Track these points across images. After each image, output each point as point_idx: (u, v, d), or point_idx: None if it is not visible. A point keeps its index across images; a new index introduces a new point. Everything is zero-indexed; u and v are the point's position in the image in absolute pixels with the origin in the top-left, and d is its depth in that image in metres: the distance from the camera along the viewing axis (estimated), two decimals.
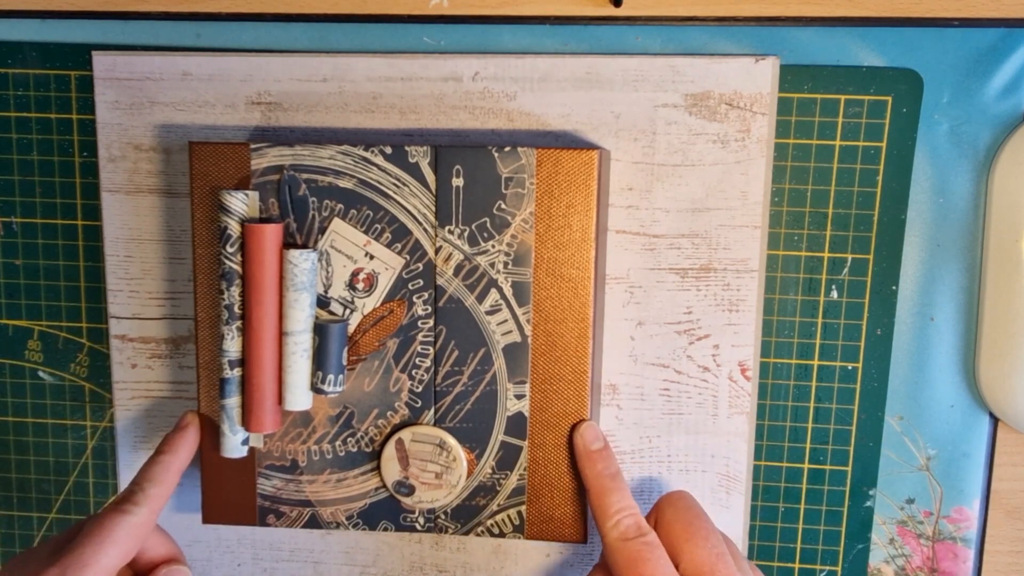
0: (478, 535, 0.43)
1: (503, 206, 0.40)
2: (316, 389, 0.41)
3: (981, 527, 0.47)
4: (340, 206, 0.40)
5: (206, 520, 0.44)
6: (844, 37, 0.43)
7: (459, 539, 0.48)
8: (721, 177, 0.44)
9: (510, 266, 0.40)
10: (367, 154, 0.40)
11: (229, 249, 0.40)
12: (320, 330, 0.40)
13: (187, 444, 0.42)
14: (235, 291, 0.40)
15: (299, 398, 0.41)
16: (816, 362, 0.46)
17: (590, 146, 0.43)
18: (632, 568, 0.36)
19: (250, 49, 0.45)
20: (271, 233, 0.39)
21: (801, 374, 0.46)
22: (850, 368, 0.46)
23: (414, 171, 0.40)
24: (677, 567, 0.37)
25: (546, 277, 0.41)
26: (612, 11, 0.43)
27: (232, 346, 0.40)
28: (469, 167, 0.40)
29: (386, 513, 0.43)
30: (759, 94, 0.43)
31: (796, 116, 0.44)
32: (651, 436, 0.46)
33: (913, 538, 0.47)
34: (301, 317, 0.40)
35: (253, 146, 0.40)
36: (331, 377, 0.40)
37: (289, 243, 0.41)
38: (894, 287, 0.45)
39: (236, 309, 0.40)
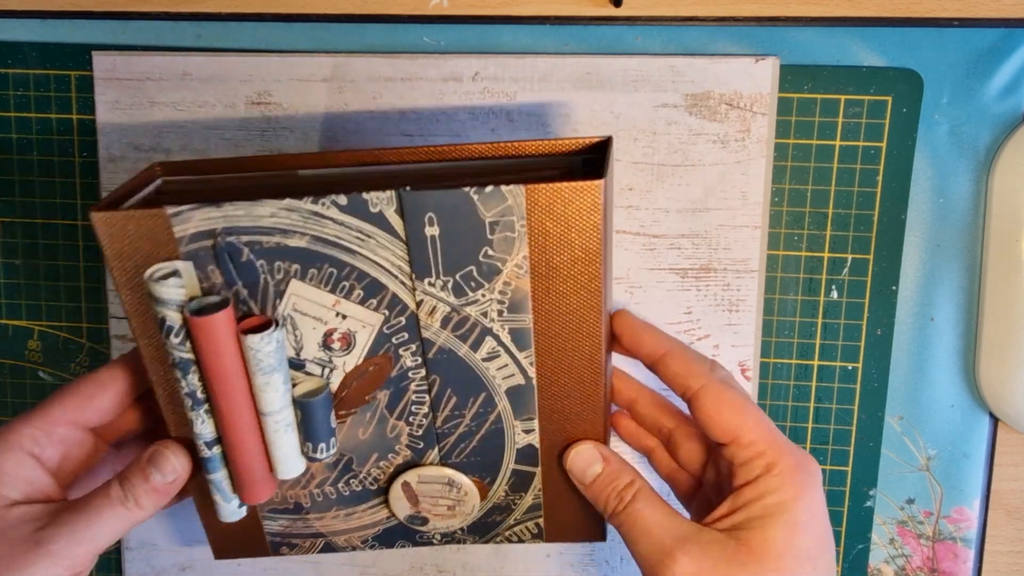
0: (497, 543, 0.42)
1: (490, 252, 0.33)
2: (308, 458, 0.37)
3: (981, 527, 0.47)
4: (296, 267, 0.33)
5: (218, 557, 0.42)
6: (844, 37, 0.43)
7: None
8: (721, 177, 0.44)
9: (505, 314, 0.35)
10: (317, 207, 0.32)
11: (174, 340, 0.33)
12: (302, 406, 0.35)
13: (82, 391, 0.37)
14: (193, 378, 0.34)
15: (290, 467, 0.37)
16: (816, 362, 0.46)
17: (591, 169, 0.37)
18: (744, 411, 0.35)
19: (250, 49, 0.45)
20: (220, 322, 0.33)
21: (801, 374, 0.46)
22: (850, 368, 0.46)
23: (379, 221, 0.32)
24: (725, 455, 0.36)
25: (548, 321, 0.35)
26: (612, 11, 0.43)
27: (205, 429, 0.35)
28: (444, 213, 0.32)
29: (402, 535, 0.41)
30: (759, 94, 0.43)
31: (796, 116, 0.44)
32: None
33: (913, 538, 0.47)
34: (276, 397, 0.34)
35: (170, 211, 0.32)
36: (322, 445, 0.36)
37: (243, 314, 0.34)
38: (894, 287, 0.45)
39: (200, 395, 0.34)
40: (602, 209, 0.32)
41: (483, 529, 0.41)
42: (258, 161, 0.37)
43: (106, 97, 0.45)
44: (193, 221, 0.32)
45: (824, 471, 0.47)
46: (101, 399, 0.37)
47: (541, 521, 0.41)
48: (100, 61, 0.45)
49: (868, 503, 0.47)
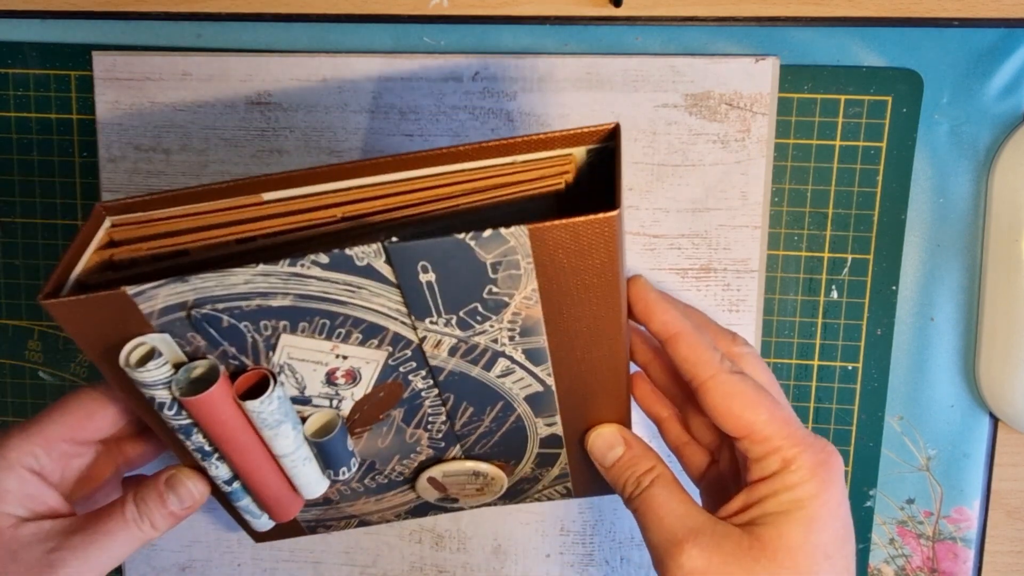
0: (529, 503, 0.42)
1: (495, 290, 0.30)
2: (331, 480, 0.37)
3: (981, 527, 0.47)
4: (284, 323, 0.31)
5: (258, 541, 0.43)
6: (844, 37, 0.43)
7: (459, 539, 0.48)
8: (721, 177, 0.44)
9: (517, 338, 0.32)
10: (296, 269, 0.29)
11: (169, 413, 0.32)
12: (316, 445, 0.35)
13: (80, 408, 0.36)
14: (198, 437, 0.33)
15: (315, 489, 0.37)
16: (816, 362, 0.46)
17: (595, 144, 0.33)
18: (758, 404, 0.33)
19: (250, 49, 0.45)
20: (216, 396, 0.31)
21: (801, 374, 0.46)
22: (850, 368, 0.46)
23: (367, 272, 0.29)
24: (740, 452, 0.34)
25: (564, 339, 0.33)
26: (612, 11, 0.43)
27: (221, 472, 0.35)
28: (438, 260, 0.29)
29: (433, 508, 0.42)
30: (759, 94, 0.43)
31: (796, 116, 0.44)
32: (655, 434, 0.46)
33: (913, 538, 0.47)
34: (287, 443, 0.34)
35: (131, 291, 0.29)
36: (343, 468, 0.36)
37: (235, 368, 0.32)
38: (894, 287, 0.45)
39: (208, 448, 0.34)
40: (617, 238, 0.29)
41: (514, 494, 0.42)
42: (215, 191, 0.32)
43: (106, 97, 0.45)
44: (159, 298, 0.29)
45: None
46: (101, 418, 0.36)
47: (569, 484, 0.41)
48: (100, 61, 0.45)
49: (868, 503, 0.47)
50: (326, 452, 0.35)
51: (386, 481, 0.40)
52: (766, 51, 0.43)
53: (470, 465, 0.39)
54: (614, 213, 0.28)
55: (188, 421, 0.32)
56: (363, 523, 0.42)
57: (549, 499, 0.42)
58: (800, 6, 0.43)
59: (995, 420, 0.46)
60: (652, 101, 0.43)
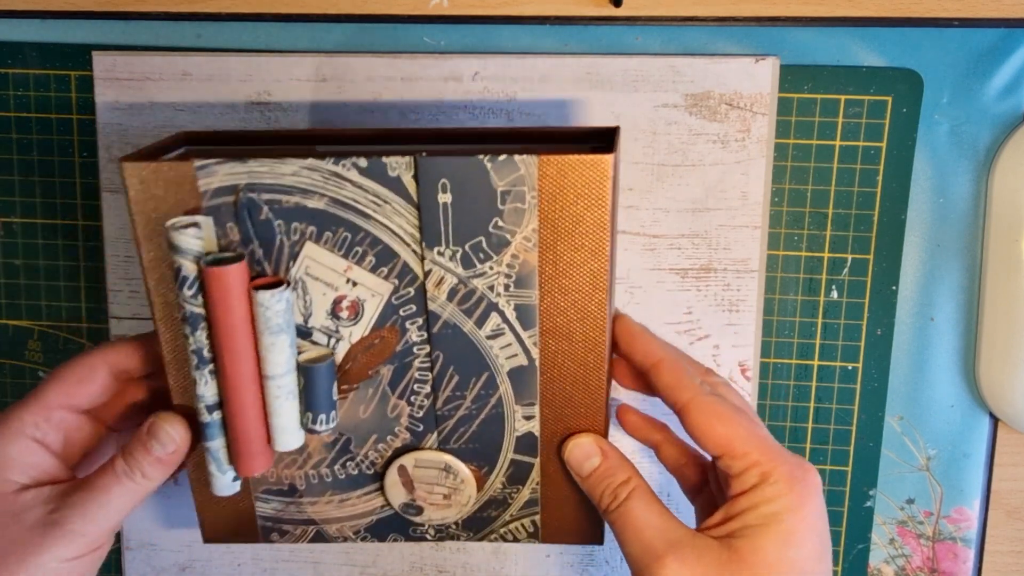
0: (491, 541, 0.41)
1: (500, 223, 0.34)
2: (307, 430, 0.37)
3: (981, 527, 0.47)
4: (312, 229, 0.34)
5: (207, 540, 0.42)
6: (844, 37, 0.43)
7: None
8: (721, 177, 0.44)
9: (512, 288, 0.35)
10: (338, 168, 0.33)
11: (187, 292, 0.34)
12: (305, 371, 0.36)
13: (74, 373, 0.38)
14: (201, 335, 0.35)
15: (289, 439, 0.37)
16: (816, 362, 0.46)
17: (599, 143, 0.38)
18: (734, 422, 0.34)
19: (250, 49, 0.45)
20: (235, 275, 0.34)
21: (801, 374, 0.46)
22: (850, 368, 0.46)
23: (395, 186, 0.34)
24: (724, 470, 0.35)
25: (554, 299, 0.35)
26: (612, 11, 0.43)
27: (207, 391, 0.36)
28: (457, 181, 0.33)
29: (395, 527, 0.41)
30: (759, 94, 0.43)
31: (796, 116, 0.44)
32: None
33: (913, 538, 0.47)
34: (281, 360, 0.35)
35: (197, 164, 0.33)
36: (322, 416, 0.36)
37: (256, 273, 0.35)
38: (894, 287, 0.45)
39: (206, 353, 0.35)
40: (611, 182, 0.33)
41: (478, 525, 0.41)
42: (277, 135, 0.40)
43: (106, 97, 0.45)
44: (218, 175, 0.33)
45: (824, 471, 0.47)
46: (90, 383, 0.38)
47: (537, 519, 0.41)
48: (100, 61, 0.45)
49: (868, 503, 0.47)
50: (312, 386, 0.36)
51: (356, 472, 0.39)
52: (766, 51, 0.43)
53: (444, 457, 0.39)
54: (609, 156, 0.33)
55: (199, 310, 0.34)
56: (319, 535, 0.41)
57: (515, 538, 0.41)
58: (800, 6, 0.43)
59: (995, 420, 0.46)
60: (652, 101, 0.43)
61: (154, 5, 0.45)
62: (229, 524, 0.41)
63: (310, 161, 0.33)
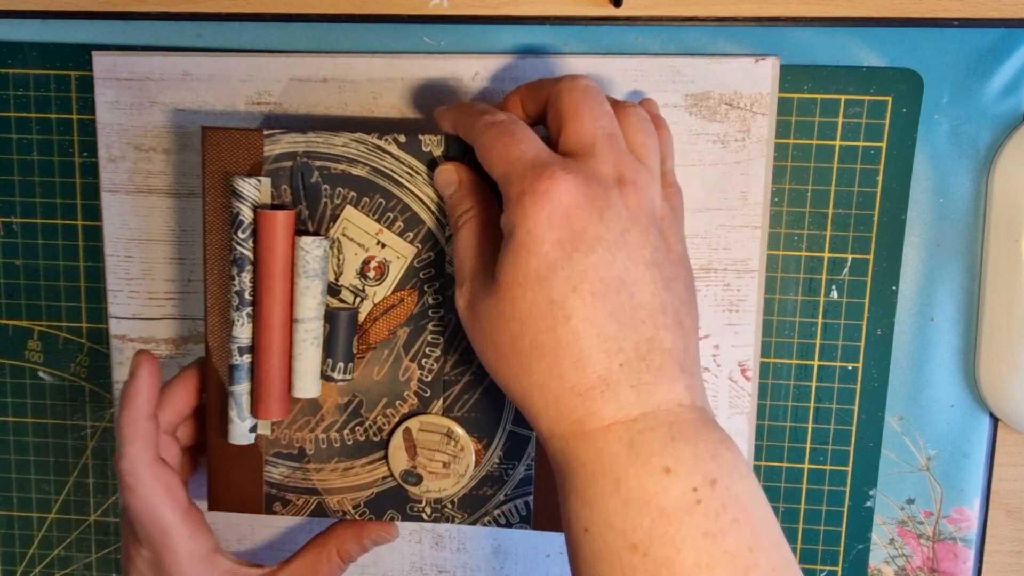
0: (485, 525, 0.42)
1: None
2: (326, 377, 0.40)
3: (981, 527, 0.47)
4: (353, 194, 0.40)
5: (212, 507, 0.43)
6: (844, 37, 0.43)
7: (459, 539, 0.48)
8: (721, 177, 0.44)
9: None
10: (381, 142, 0.39)
11: (241, 235, 0.39)
12: (330, 318, 0.40)
13: (142, 390, 0.40)
14: (246, 277, 0.39)
15: (308, 385, 0.40)
16: (816, 362, 0.46)
17: None
18: (492, 150, 0.34)
19: (250, 49, 0.45)
20: (283, 220, 0.39)
21: (801, 374, 0.46)
22: (850, 368, 0.46)
23: (427, 161, 0.39)
24: (556, 148, 0.34)
25: None
26: (612, 11, 0.43)
27: (243, 332, 0.40)
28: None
29: (393, 502, 0.43)
30: (759, 94, 0.43)
31: (796, 116, 0.44)
32: None
33: (913, 538, 0.47)
34: (312, 304, 0.40)
35: (267, 132, 0.40)
36: (340, 365, 0.40)
37: (301, 230, 0.40)
38: (894, 287, 0.45)
39: (247, 296, 0.40)
40: None
41: (473, 504, 0.42)
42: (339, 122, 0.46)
43: (106, 97, 0.45)
44: (281, 143, 0.40)
45: (824, 471, 0.47)
46: (185, 403, 0.42)
47: (531, 500, 0.42)
48: (100, 61, 0.45)
49: (868, 503, 0.47)
50: (334, 332, 0.40)
51: (363, 438, 0.42)
52: (766, 51, 0.43)
53: (447, 422, 0.41)
54: None
55: (248, 253, 0.39)
56: (319, 509, 0.43)
57: (508, 522, 0.42)
58: (800, 6, 0.43)
59: (995, 420, 0.46)
60: None
61: (154, 5, 0.45)
62: (236, 492, 0.43)
63: (358, 135, 0.39)
